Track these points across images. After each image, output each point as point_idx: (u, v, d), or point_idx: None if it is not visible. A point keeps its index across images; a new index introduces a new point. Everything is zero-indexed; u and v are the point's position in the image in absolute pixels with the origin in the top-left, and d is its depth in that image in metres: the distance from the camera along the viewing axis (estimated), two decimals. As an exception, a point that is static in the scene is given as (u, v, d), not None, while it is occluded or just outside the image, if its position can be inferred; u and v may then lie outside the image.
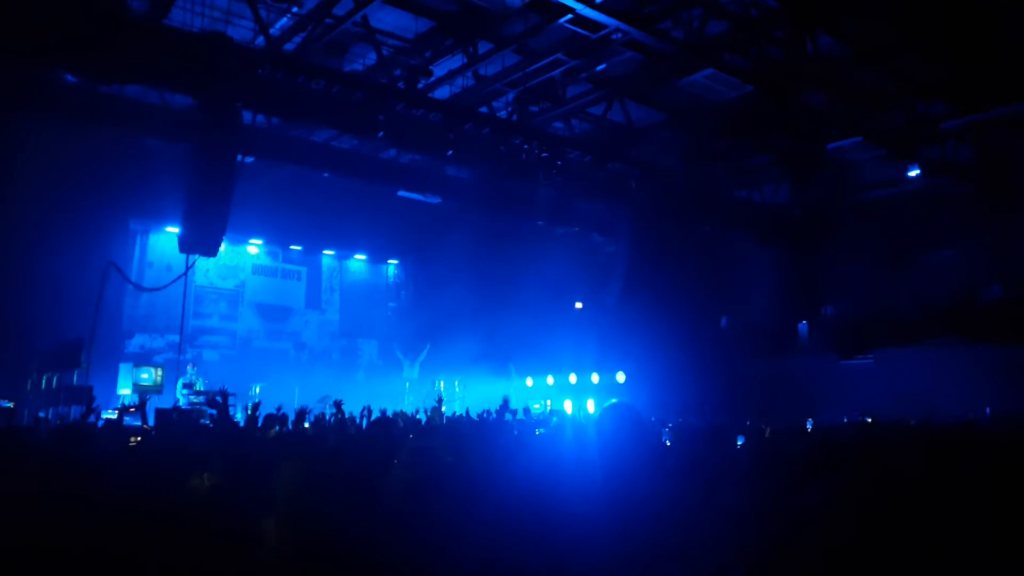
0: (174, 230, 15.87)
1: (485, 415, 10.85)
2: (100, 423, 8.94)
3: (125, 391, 16.17)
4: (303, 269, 22.59)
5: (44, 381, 13.62)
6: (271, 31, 12.85)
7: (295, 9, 12.83)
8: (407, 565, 2.72)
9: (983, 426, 9.65)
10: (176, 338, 18.49)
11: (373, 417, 9.47)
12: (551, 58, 13.54)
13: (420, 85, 13.96)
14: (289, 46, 13.16)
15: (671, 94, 15.55)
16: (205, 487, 3.30)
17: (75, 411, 12.27)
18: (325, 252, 22.89)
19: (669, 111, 16.60)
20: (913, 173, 16.24)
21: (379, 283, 24.34)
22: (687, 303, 19.03)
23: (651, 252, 18.06)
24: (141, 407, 11.55)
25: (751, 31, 12.77)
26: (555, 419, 14.22)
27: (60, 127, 14.84)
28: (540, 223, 22.44)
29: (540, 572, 2.67)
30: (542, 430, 10.26)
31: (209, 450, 4.66)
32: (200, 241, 12.64)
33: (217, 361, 20.02)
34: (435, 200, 18.90)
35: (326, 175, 18.63)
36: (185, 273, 15.42)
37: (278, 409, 8.64)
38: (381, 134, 13.92)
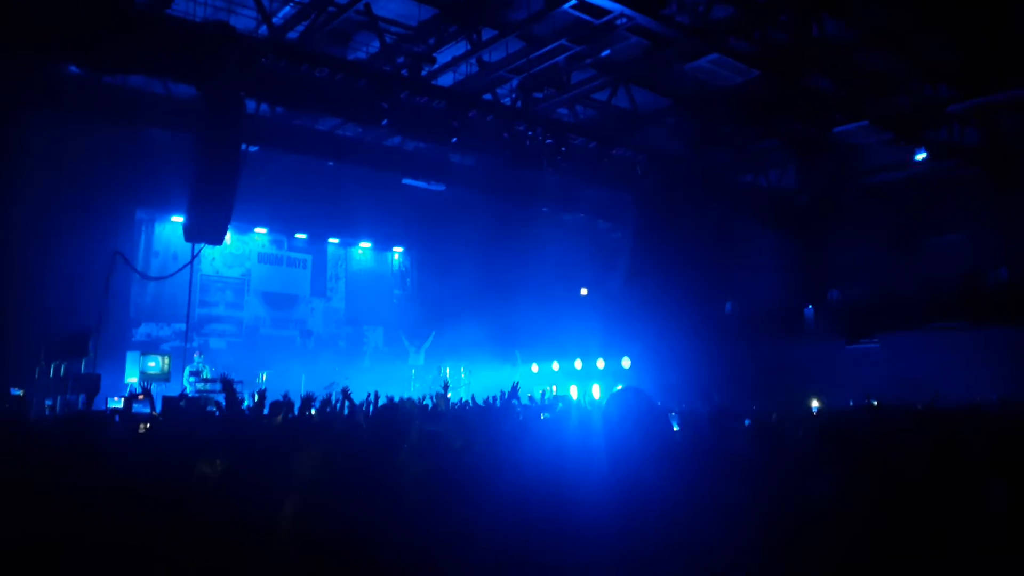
0: (180, 219, 15.91)
1: (492, 401, 10.85)
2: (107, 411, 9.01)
3: (132, 379, 16.28)
4: (308, 257, 22.64)
5: (52, 370, 13.69)
6: (274, 20, 12.84)
7: (297, -3, 12.85)
8: (414, 555, 2.73)
9: (989, 410, 9.63)
10: (183, 327, 18.56)
11: (380, 403, 9.49)
12: (555, 44, 13.46)
13: (424, 72, 13.93)
14: (292, 35, 13.12)
15: (676, 79, 15.44)
16: (214, 474, 3.32)
17: (83, 399, 12.35)
18: (330, 240, 22.92)
19: (674, 96, 16.50)
20: (919, 156, 16.18)
21: (384, 270, 24.38)
22: (693, 288, 19.01)
23: (656, 238, 18.05)
24: (147, 394, 11.64)
25: (757, 15, 12.71)
26: (560, 405, 14.25)
27: (65, 119, 14.91)
28: (545, 209, 22.48)
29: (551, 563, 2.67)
30: (547, 415, 10.27)
31: (216, 437, 4.69)
32: (205, 230, 12.70)
33: (224, 349, 20.10)
34: (440, 187, 18.89)
35: (331, 163, 18.67)
36: (191, 262, 15.49)
37: (284, 396, 8.68)
38: (385, 122, 13.93)
